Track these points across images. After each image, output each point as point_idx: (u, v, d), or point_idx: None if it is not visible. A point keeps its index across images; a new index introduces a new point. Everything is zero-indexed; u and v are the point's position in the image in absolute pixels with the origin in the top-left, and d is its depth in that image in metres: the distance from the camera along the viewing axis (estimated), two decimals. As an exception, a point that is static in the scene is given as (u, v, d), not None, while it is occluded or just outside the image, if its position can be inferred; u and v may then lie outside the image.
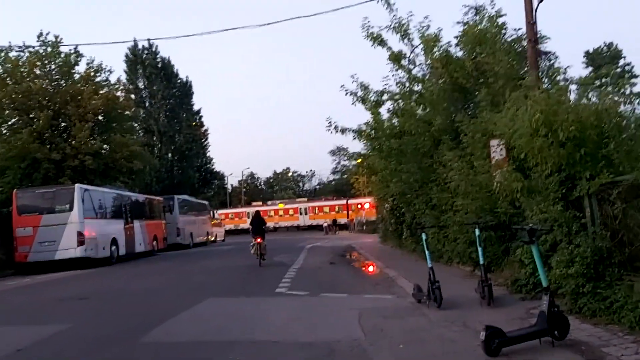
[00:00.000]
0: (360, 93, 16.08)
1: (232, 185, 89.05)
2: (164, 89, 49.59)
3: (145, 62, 50.07)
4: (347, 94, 16.08)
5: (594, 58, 52.03)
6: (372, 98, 16.04)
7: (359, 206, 58.54)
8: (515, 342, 5.89)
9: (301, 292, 11.27)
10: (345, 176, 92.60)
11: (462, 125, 12.04)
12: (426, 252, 9.07)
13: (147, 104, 49.94)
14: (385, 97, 15.79)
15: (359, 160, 53.83)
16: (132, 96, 46.88)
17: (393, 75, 15.30)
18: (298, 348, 6.51)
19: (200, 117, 55.39)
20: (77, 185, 21.79)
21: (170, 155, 50.20)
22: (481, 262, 8.81)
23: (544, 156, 8.42)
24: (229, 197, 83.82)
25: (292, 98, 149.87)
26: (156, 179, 44.17)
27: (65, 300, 11.63)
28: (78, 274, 18.54)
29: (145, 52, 50.49)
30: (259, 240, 18.55)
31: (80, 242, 20.99)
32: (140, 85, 50.17)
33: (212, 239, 43.15)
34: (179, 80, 52.22)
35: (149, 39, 52.42)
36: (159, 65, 50.68)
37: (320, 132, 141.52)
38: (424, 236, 9.23)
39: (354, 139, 16.10)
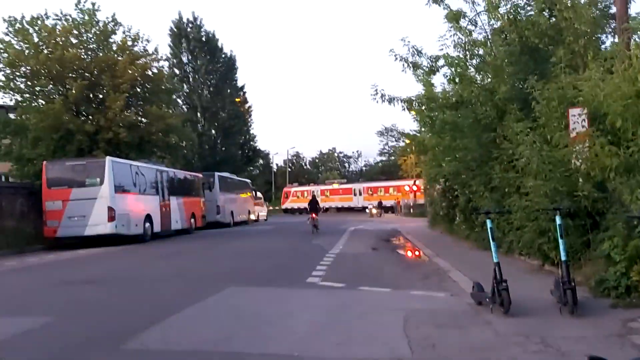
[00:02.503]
0: (411, 59, 14.13)
1: (277, 164, 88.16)
2: (207, 63, 48.36)
3: (190, 36, 48.95)
4: (396, 59, 14.15)
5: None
6: (425, 64, 14.08)
7: (407, 188, 56.25)
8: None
9: (336, 284, 9.61)
10: (392, 158, 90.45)
11: (535, 91, 10.03)
12: (491, 243, 7.23)
13: (190, 79, 48.94)
14: (440, 62, 13.79)
15: (408, 142, 51.78)
16: (176, 71, 46.07)
17: (451, 36, 13.28)
18: (321, 369, 4.86)
19: (244, 92, 54.16)
20: (108, 158, 20.70)
21: (213, 131, 49.11)
22: (562, 258, 6.90)
23: (652, 123, 6.45)
24: (274, 177, 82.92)
25: (340, 76, 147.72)
26: (198, 156, 43.23)
27: (67, 285, 10.31)
28: (104, 252, 17.47)
29: (190, 25, 49.37)
30: (314, 216, 25.93)
31: (111, 218, 19.94)
32: (184, 59, 49.17)
33: (254, 218, 42.13)
34: (223, 55, 50.85)
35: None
36: (203, 39, 49.46)
37: (367, 113, 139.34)
38: (489, 223, 7.38)
39: (403, 109, 14.18)
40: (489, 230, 7.33)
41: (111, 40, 26.26)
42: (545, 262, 10.19)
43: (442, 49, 13.05)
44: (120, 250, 17.90)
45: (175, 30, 49.03)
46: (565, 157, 9.29)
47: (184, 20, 49.23)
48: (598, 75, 8.90)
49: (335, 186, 68.60)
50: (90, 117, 24.50)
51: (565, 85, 9.82)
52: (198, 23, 49.72)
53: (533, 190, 9.48)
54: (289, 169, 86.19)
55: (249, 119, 54.79)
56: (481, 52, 13.37)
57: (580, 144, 8.94)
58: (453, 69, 13.56)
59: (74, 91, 23.48)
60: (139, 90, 26.53)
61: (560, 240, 6.98)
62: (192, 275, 11.47)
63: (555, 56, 10.67)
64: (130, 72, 25.04)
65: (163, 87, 27.58)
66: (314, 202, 27.43)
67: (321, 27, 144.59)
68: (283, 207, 68.66)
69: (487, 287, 7.41)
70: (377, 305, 7.80)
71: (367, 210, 54.81)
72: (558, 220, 7.09)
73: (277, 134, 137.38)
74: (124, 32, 26.25)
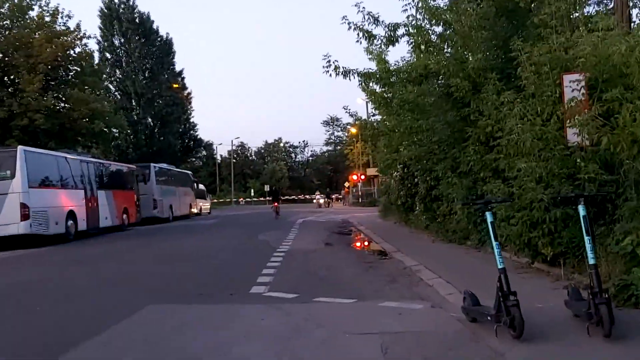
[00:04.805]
0: (367, 27, 12.27)
1: (221, 155, 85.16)
2: (141, 46, 45.08)
3: (122, 17, 45.46)
4: (350, 28, 12.28)
5: None
6: (383, 33, 12.25)
7: (354, 177, 54.83)
8: None
9: (287, 295, 7.69)
10: (339, 147, 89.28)
11: (522, 55, 8.36)
12: (493, 243, 5.43)
13: (123, 64, 45.49)
14: (400, 31, 11.98)
15: (354, 132, 50.16)
16: (108, 55, 42.73)
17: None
18: None
19: (183, 78, 50.94)
20: (19, 148, 17.93)
21: (149, 119, 45.84)
22: (591, 261, 5.17)
23: None
24: (218, 168, 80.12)
25: (286, 64, 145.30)
26: (133, 146, 40.17)
27: None
28: (12, 257, 14.87)
29: (122, 6, 45.85)
30: (275, 204, 31.12)
31: (25, 216, 17.24)
32: (116, 42, 45.64)
33: (196, 211, 39.58)
34: (158, 38, 47.60)
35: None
36: (137, 20, 46.05)
37: (313, 102, 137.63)
38: (489, 217, 5.55)
39: (360, 84, 12.36)
40: (489, 226, 5.52)
41: (27, 16, 23.28)
42: (535, 259, 8.59)
43: (407, 9, 11.20)
44: (33, 254, 15.35)
45: (105, 10, 45.43)
46: (560, 132, 7.74)
47: (115, 0, 45.64)
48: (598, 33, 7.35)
49: None
50: (1, 101, 21.49)
51: (556, 47, 8.22)
52: (131, 3, 46.30)
53: (524, 173, 7.82)
54: (234, 160, 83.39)
55: (189, 107, 51.64)
56: (447, 17, 11.60)
57: (574, 116, 7.38)
58: (415, 38, 11.75)
59: (-20, 72, 20.57)
60: (60, 71, 23.65)
61: (586, 238, 5.23)
62: (107, 287, 9.26)
63: (539, 16, 9.11)
64: (49, 51, 22.15)
65: (85, 68, 24.66)
66: (275, 192, 34.14)
67: (266, 8, 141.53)
68: None
69: (477, 292, 5.80)
70: (342, 327, 5.91)
71: (314, 201, 53.06)
72: (582, 210, 5.34)
73: (220, 124, 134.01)
74: (40, 7, 23.32)
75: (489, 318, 5.39)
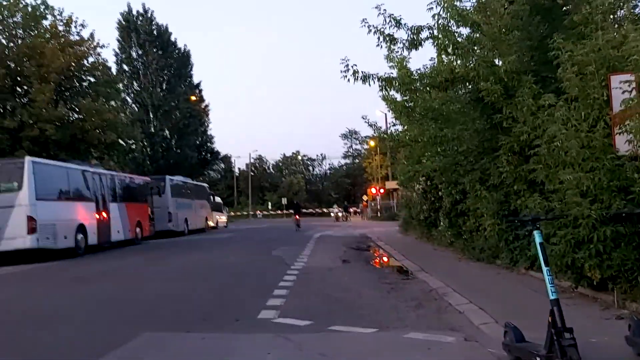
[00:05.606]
0: (388, 30, 11.48)
1: (239, 168, 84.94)
2: (159, 58, 44.83)
3: (140, 30, 45.31)
4: (370, 31, 11.50)
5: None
6: (405, 37, 11.45)
7: (373, 191, 53.96)
8: None
9: (299, 322, 6.84)
10: (357, 160, 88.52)
11: (563, 54, 7.49)
12: (544, 268, 4.52)
13: (140, 76, 45.22)
14: (424, 34, 11.16)
15: (373, 144, 49.34)
16: (125, 67, 42.54)
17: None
18: None
19: (201, 90, 50.51)
20: (27, 158, 17.38)
21: (166, 132, 45.43)
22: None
23: None
24: (235, 181, 79.90)
25: (304, 77, 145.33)
26: (150, 158, 39.72)
27: None
28: (15, 272, 14.22)
29: (140, 18, 45.74)
30: (297, 217, 33.30)
31: (32, 230, 16.61)
32: (134, 54, 45.47)
33: (213, 225, 38.93)
34: (176, 50, 47.39)
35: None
36: (155, 32, 45.88)
37: (331, 115, 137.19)
38: (538, 237, 4.64)
39: (381, 89, 11.53)
40: (539, 247, 4.62)
41: (40, 25, 22.92)
42: (579, 282, 7.62)
43: (432, 8, 10.38)
44: (37, 269, 14.70)
45: (123, 23, 45.33)
46: (608, 139, 6.84)
47: (134, 12, 45.65)
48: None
49: None
50: (11, 111, 21.04)
51: (602, 46, 7.32)
52: (149, 16, 46.18)
53: (567, 186, 6.90)
54: (252, 173, 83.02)
55: (206, 119, 51.21)
56: (475, 18, 10.78)
57: (625, 122, 6.50)
58: (440, 40, 10.90)
59: (-9, 81, 20.18)
60: (73, 81, 23.20)
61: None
62: (103, 309, 8.47)
63: (580, 12, 8.24)
64: (62, 60, 21.69)
65: (101, 78, 24.19)
66: (297, 206, 36.12)
67: (286, 19, 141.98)
68: None
69: (515, 320, 4.99)
70: (362, 366, 5.05)
71: (332, 214, 52.26)
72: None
73: (239, 137, 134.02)
74: (54, 16, 22.94)
75: (538, 359, 4.49)
